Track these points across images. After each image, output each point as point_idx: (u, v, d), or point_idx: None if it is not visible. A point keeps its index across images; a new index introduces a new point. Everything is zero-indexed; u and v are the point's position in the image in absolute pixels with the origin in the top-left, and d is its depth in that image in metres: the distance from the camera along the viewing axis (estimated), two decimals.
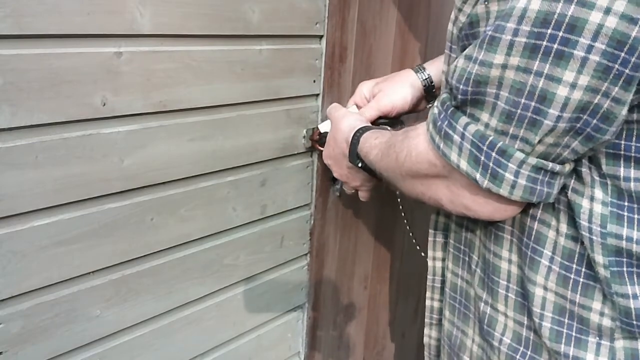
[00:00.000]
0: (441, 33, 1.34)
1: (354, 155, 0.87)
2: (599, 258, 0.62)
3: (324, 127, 1.09)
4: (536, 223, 0.68)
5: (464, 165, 0.61)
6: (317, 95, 1.12)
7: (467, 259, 0.81)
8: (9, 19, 0.68)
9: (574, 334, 0.66)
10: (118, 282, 0.89)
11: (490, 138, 0.59)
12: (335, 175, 1.02)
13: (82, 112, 0.78)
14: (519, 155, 0.58)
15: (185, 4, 0.85)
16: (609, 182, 0.62)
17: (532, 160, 0.58)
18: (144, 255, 0.91)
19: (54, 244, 0.79)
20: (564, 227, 0.66)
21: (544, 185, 0.60)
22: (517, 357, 0.72)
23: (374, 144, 0.82)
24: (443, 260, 0.88)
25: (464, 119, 0.61)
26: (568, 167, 0.61)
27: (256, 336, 1.16)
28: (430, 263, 0.89)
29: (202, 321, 1.04)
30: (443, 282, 0.88)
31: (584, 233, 0.63)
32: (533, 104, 0.55)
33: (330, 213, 1.22)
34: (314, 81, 1.10)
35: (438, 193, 0.68)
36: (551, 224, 0.67)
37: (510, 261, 0.73)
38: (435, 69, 1.01)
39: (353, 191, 1.05)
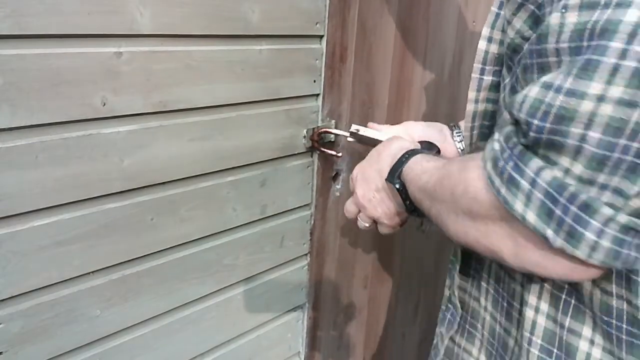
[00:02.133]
0: (443, 33, 1.34)
1: (395, 174, 0.73)
2: None
3: (363, 129, 1.01)
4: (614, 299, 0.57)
5: (531, 218, 0.50)
6: (317, 95, 1.12)
7: (507, 306, 0.71)
8: (9, 19, 0.68)
9: None
10: (118, 282, 0.89)
11: (571, 188, 0.47)
12: (357, 197, 0.83)
13: (82, 112, 0.78)
14: (607, 212, 0.47)
15: (185, 4, 0.85)
16: None
17: (623, 219, 0.47)
18: (144, 255, 0.91)
19: (54, 244, 0.79)
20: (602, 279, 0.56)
21: (631, 249, 0.48)
22: None
23: (426, 167, 0.68)
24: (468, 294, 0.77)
25: (536, 162, 0.49)
26: None
27: (256, 336, 1.16)
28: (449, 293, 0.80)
29: (202, 321, 1.04)
30: (462, 317, 0.79)
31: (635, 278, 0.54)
32: (635, 145, 0.44)
33: (331, 213, 1.22)
34: (314, 81, 1.10)
35: (498, 243, 0.56)
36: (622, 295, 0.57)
37: (592, 342, 0.60)
38: None
39: (367, 225, 0.86)
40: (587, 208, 0.47)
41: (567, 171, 0.48)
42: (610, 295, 0.57)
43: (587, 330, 0.60)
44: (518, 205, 0.50)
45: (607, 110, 0.44)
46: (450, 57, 1.40)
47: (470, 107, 0.69)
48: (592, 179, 0.47)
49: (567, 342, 0.61)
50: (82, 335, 0.86)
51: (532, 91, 0.49)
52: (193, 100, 0.91)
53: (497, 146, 0.53)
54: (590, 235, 0.47)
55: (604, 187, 0.47)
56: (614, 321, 0.57)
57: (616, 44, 0.43)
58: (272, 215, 1.11)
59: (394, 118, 1.28)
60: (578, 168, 0.47)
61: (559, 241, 0.49)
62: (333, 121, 1.15)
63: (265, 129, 1.04)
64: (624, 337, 0.56)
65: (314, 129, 1.11)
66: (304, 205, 1.17)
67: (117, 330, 0.91)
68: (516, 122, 0.51)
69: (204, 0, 0.88)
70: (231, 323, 1.10)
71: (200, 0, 0.87)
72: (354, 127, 1.01)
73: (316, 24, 1.07)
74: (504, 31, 0.60)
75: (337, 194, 1.20)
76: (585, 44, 0.45)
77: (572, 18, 0.47)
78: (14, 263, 0.76)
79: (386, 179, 0.75)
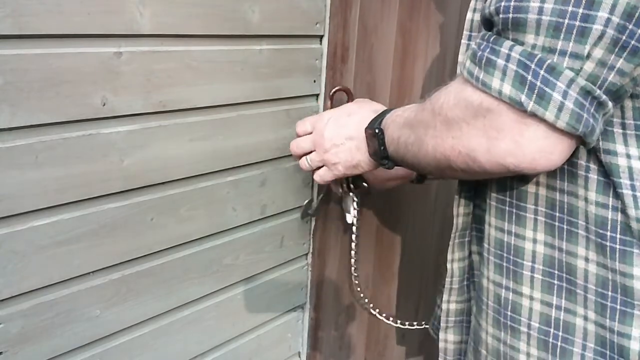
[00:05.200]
0: (444, 33, 1.34)
1: (375, 122, 0.81)
2: None
3: None
4: (565, 196, 0.66)
5: (507, 89, 0.56)
6: (317, 95, 1.12)
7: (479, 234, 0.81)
8: (9, 19, 0.68)
9: (618, 306, 0.64)
10: (118, 282, 0.89)
11: (539, 55, 0.55)
12: (323, 138, 0.89)
13: (82, 112, 0.78)
14: (569, 73, 0.54)
15: (185, 4, 0.85)
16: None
17: (581, 81, 0.54)
18: (144, 255, 0.91)
19: (54, 244, 0.79)
20: (592, 195, 0.64)
21: (589, 115, 0.56)
22: (550, 340, 0.71)
23: (407, 108, 0.76)
24: (463, 260, 0.86)
25: (508, 42, 0.57)
26: (610, 105, 0.57)
27: (256, 336, 1.16)
28: (448, 266, 0.87)
29: (202, 321, 1.04)
30: (462, 281, 0.87)
31: (625, 192, 0.62)
32: (581, 10, 0.52)
33: (332, 213, 1.22)
34: (314, 81, 1.10)
35: (472, 142, 0.61)
36: (579, 194, 0.65)
37: (535, 241, 0.70)
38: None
39: (311, 167, 0.95)
40: (553, 70, 0.54)
41: (533, 46, 0.56)
42: (605, 209, 0.64)
43: (581, 250, 0.67)
44: (495, 82, 0.57)
45: None
46: (451, 56, 1.40)
47: (458, 69, 0.75)
48: (553, 46, 0.54)
49: (567, 262, 0.68)
50: (82, 335, 0.86)
51: None
52: (193, 100, 0.91)
53: (474, 45, 0.61)
54: (557, 96, 0.54)
55: (562, 52, 0.54)
56: (608, 233, 0.64)
57: None
58: (272, 215, 1.11)
59: None
60: (540, 39, 0.55)
61: (531, 104, 0.55)
62: None
63: (265, 129, 1.04)
64: (617, 246, 0.63)
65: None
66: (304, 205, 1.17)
67: (117, 330, 0.91)
68: (488, 22, 0.60)
69: (204, 0, 0.88)
70: (231, 323, 1.10)
71: (200, 0, 0.87)
72: None
73: (316, 24, 1.07)
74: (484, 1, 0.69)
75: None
76: None
77: None
78: (14, 263, 0.76)
79: (366, 128, 0.82)
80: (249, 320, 1.13)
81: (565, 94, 0.54)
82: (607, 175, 0.63)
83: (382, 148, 0.79)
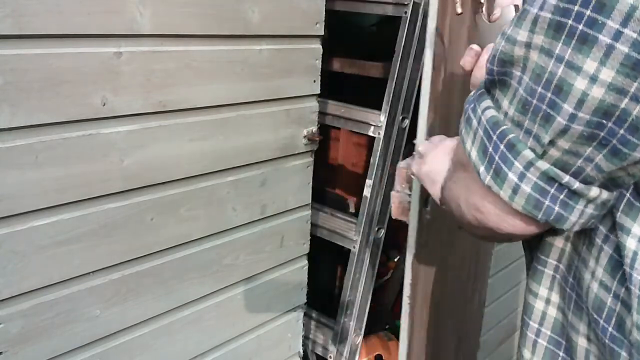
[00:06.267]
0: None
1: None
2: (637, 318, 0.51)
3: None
4: (579, 262, 0.57)
5: (474, 154, 0.53)
6: (317, 95, 1.12)
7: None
8: (9, 19, 0.68)
9: None
10: (118, 282, 0.89)
11: (503, 127, 0.50)
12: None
13: (82, 112, 0.78)
14: (528, 154, 0.48)
15: (185, 4, 0.85)
16: None
17: (543, 165, 0.48)
18: (144, 256, 0.91)
19: (54, 244, 0.79)
20: (599, 272, 0.54)
21: (555, 203, 0.49)
22: None
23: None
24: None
25: (486, 102, 0.53)
26: (595, 192, 0.49)
27: (256, 336, 1.16)
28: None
29: (202, 321, 1.04)
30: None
31: (632, 286, 0.51)
32: (549, 95, 0.46)
33: None
34: (314, 81, 1.10)
35: (458, 190, 0.58)
36: (589, 265, 0.55)
37: (548, 301, 0.61)
38: None
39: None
40: (512, 148, 0.49)
41: (505, 114, 0.51)
42: (607, 292, 0.54)
43: (583, 327, 0.58)
44: (468, 143, 0.54)
45: (533, 56, 0.47)
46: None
47: None
48: (520, 122, 0.49)
49: (569, 337, 0.60)
50: (82, 335, 0.86)
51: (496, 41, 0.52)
52: (193, 100, 0.91)
53: (469, 97, 0.57)
54: (512, 177, 0.49)
55: (527, 132, 0.49)
56: (601, 321, 0.54)
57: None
58: (272, 215, 1.11)
59: None
60: (511, 110, 0.50)
61: (487, 178, 0.51)
62: None
63: (265, 129, 1.04)
64: (606, 341, 0.53)
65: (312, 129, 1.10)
66: (304, 205, 1.17)
67: (117, 330, 0.91)
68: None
69: (204, 0, 0.88)
70: (231, 323, 1.10)
71: (200, 0, 0.87)
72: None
73: (316, 24, 1.07)
74: None
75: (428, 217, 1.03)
76: None
77: None
78: (14, 263, 0.76)
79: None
80: (249, 320, 1.13)
81: (522, 176, 0.49)
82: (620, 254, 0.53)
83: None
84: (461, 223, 0.61)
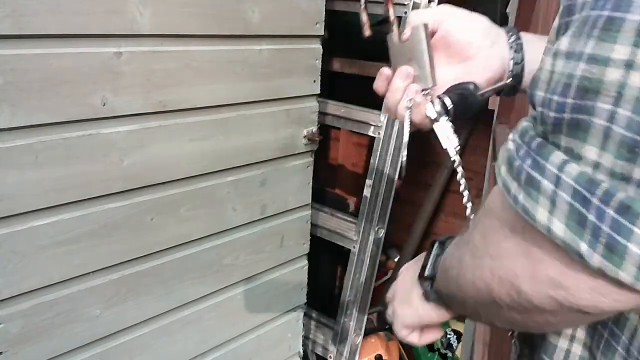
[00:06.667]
0: None
1: (430, 266, 0.60)
2: None
3: None
4: None
5: (559, 228, 0.39)
6: (317, 95, 1.12)
7: None
8: (9, 19, 0.68)
9: None
10: (118, 282, 0.89)
11: (604, 185, 0.37)
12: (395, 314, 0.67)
13: (82, 112, 0.78)
14: None
15: (185, 4, 0.85)
16: None
17: None
18: (144, 256, 0.91)
19: (54, 244, 0.79)
20: None
21: None
22: None
23: (454, 243, 0.57)
24: None
25: (558, 155, 0.39)
26: None
27: (256, 336, 1.16)
28: None
29: (202, 321, 1.04)
30: None
31: None
32: None
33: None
34: (314, 81, 1.10)
35: (512, 266, 0.44)
36: None
37: (573, 338, 0.53)
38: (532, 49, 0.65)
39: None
40: (627, 211, 0.36)
41: (596, 165, 0.37)
42: None
43: None
44: (541, 214, 0.39)
45: (635, 80, 0.34)
46: None
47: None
48: (627, 173, 0.36)
49: None
50: (82, 336, 0.86)
51: (546, 63, 0.39)
52: (193, 100, 0.91)
53: (511, 145, 0.43)
54: (635, 249, 0.36)
55: None
56: None
57: None
58: (272, 215, 1.11)
59: None
60: (608, 159, 0.37)
61: (596, 258, 0.37)
62: None
63: (265, 129, 1.04)
64: None
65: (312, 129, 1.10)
66: (304, 205, 1.17)
67: (117, 330, 0.91)
68: (535, 114, 0.42)
69: (204, 0, 0.88)
70: (231, 323, 1.10)
71: (200, 0, 0.87)
72: None
73: (316, 24, 1.07)
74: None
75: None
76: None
77: None
78: (14, 263, 0.76)
79: (419, 275, 0.62)
80: (249, 320, 1.14)
81: None
82: None
83: (428, 265, 0.60)
84: (493, 317, 0.50)
